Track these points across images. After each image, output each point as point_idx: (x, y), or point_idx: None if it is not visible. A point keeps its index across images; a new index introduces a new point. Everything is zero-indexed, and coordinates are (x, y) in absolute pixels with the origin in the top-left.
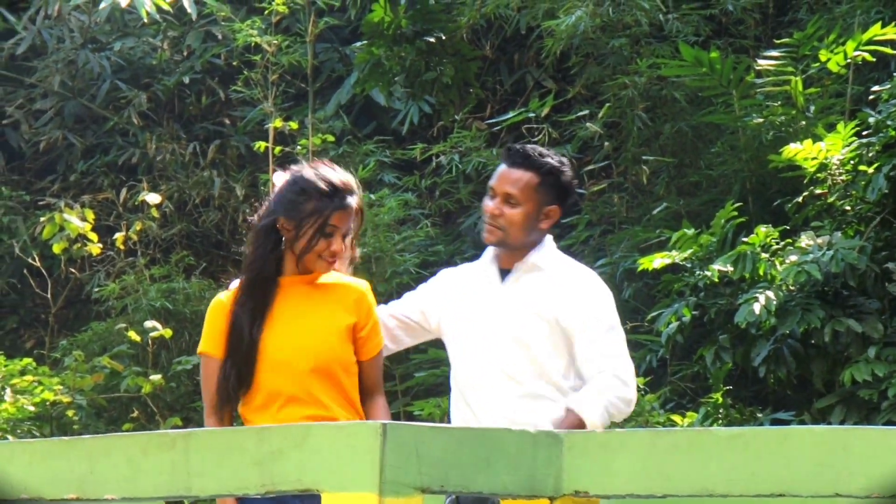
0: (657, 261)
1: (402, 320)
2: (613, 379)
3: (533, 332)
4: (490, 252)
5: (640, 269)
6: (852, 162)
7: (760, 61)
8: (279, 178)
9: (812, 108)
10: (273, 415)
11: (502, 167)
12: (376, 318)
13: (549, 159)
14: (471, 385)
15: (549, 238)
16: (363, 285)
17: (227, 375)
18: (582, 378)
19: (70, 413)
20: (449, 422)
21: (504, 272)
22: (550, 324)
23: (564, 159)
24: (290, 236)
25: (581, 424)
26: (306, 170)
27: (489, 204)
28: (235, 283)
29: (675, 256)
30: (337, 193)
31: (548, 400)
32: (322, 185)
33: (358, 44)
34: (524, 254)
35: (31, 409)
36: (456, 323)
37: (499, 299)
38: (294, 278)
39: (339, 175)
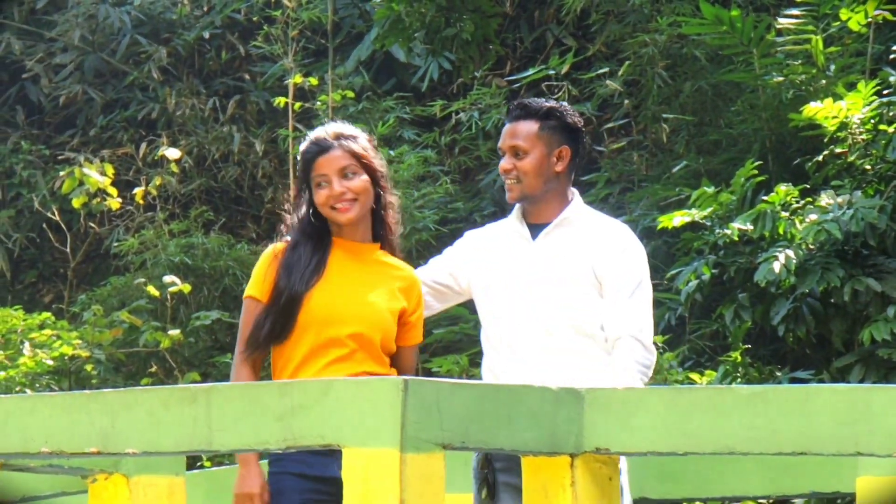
0: (677, 219)
1: (430, 285)
2: (636, 344)
3: (570, 287)
4: (517, 210)
5: (659, 227)
6: (873, 121)
7: (781, 20)
8: None
9: (832, 67)
10: (317, 372)
11: (505, 126)
12: (423, 310)
13: (545, 103)
14: (508, 343)
15: (576, 194)
16: (414, 273)
17: (260, 323)
18: (605, 328)
19: (88, 367)
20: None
21: (534, 228)
22: (587, 276)
23: (564, 103)
24: (305, 204)
25: None
26: None
27: (501, 163)
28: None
29: (695, 215)
30: (316, 144)
31: (586, 354)
32: (303, 146)
33: None
34: (554, 209)
35: (50, 363)
36: (489, 282)
37: (533, 256)
38: (347, 242)
39: (323, 128)
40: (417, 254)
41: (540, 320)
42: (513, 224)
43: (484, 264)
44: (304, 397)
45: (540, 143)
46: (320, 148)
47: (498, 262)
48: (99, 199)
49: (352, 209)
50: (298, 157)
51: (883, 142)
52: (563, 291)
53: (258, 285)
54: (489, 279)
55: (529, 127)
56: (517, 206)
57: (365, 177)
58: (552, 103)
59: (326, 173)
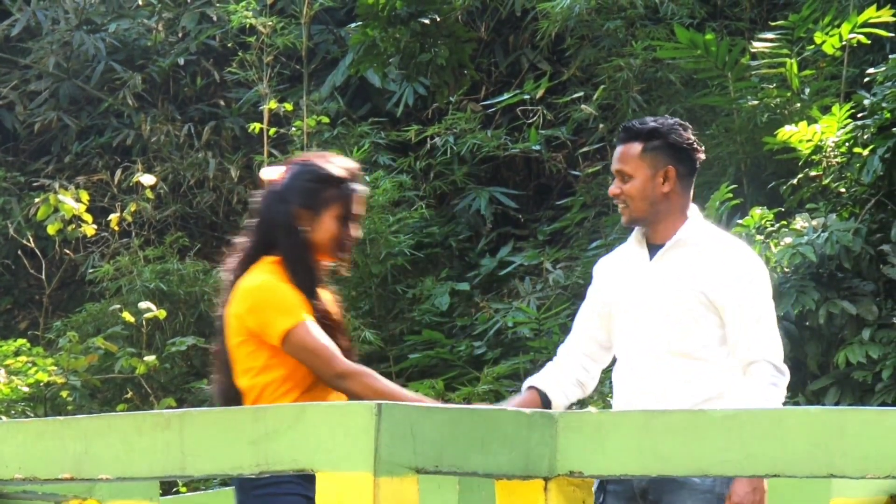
0: None
1: (594, 337)
2: (768, 367)
3: (681, 309)
4: (637, 231)
5: None
6: (847, 144)
7: (755, 43)
8: (270, 173)
9: (807, 91)
10: None
11: (616, 148)
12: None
13: (650, 124)
14: (626, 363)
15: (695, 210)
16: None
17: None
18: (733, 354)
19: (64, 394)
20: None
21: (653, 248)
22: (698, 299)
23: (671, 120)
24: (309, 226)
25: None
26: (315, 159)
27: (611, 187)
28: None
29: None
30: (354, 179)
31: (699, 375)
32: (339, 171)
33: (353, 25)
34: (669, 229)
35: (25, 389)
36: (611, 304)
37: (646, 277)
38: None
39: (347, 162)
40: (393, 279)
41: (644, 342)
42: (632, 245)
43: (609, 285)
44: (277, 422)
45: (643, 166)
46: None
47: (619, 282)
48: (74, 226)
49: None
50: None
51: (857, 165)
52: (668, 314)
53: (300, 308)
54: (611, 299)
55: (633, 150)
56: (636, 228)
57: None
58: (657, 123)
59: None
